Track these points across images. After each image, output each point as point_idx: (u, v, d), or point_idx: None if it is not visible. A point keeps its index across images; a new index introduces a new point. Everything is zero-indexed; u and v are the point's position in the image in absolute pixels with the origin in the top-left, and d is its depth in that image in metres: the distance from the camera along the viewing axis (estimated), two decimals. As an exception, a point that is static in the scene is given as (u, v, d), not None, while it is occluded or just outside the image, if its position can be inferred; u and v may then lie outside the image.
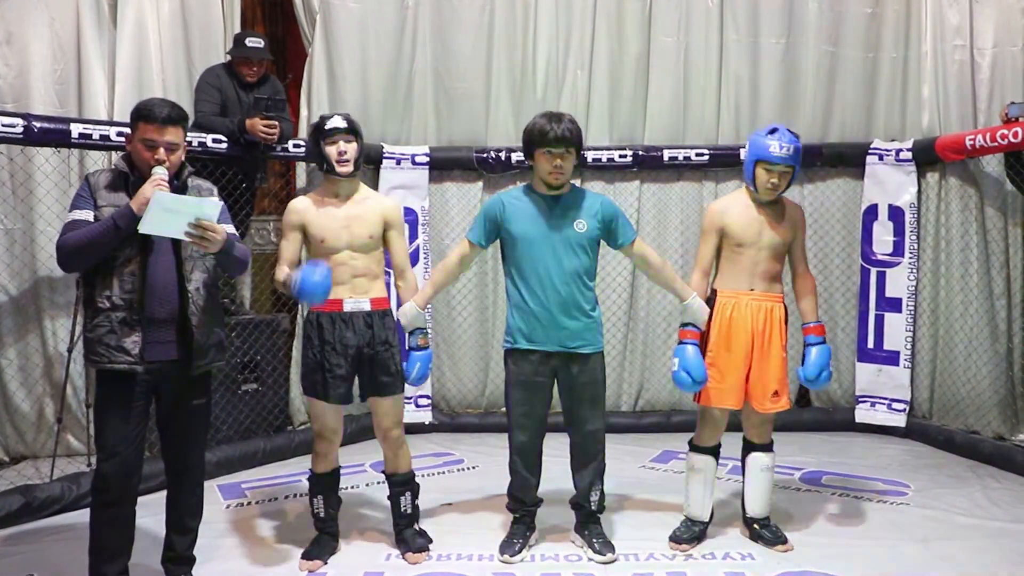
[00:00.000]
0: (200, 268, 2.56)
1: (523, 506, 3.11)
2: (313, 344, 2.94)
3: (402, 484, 3.09)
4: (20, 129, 3.35)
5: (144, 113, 2.47)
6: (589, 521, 3.11)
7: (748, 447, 3.17)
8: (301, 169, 4.91)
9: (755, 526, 3.15)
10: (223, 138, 4.04)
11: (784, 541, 3.09)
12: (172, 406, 2.60)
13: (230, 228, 2.62)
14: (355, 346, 2.92)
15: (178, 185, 2.56)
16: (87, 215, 2.44)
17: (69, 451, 4.18)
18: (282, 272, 2.89)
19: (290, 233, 2.98)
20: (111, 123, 3.92)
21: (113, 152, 4.08)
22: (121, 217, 2.37)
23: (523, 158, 3.07)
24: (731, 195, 3.20)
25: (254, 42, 4.23)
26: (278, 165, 5.20)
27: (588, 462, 3.06)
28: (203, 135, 4.00)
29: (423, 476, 3.98)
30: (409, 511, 3.10)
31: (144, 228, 2.32)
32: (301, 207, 2.98)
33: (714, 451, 3.16)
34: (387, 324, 2.99)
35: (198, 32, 4.65)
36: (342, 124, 2.93)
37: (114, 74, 4.39)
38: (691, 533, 3.13)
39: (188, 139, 3.82)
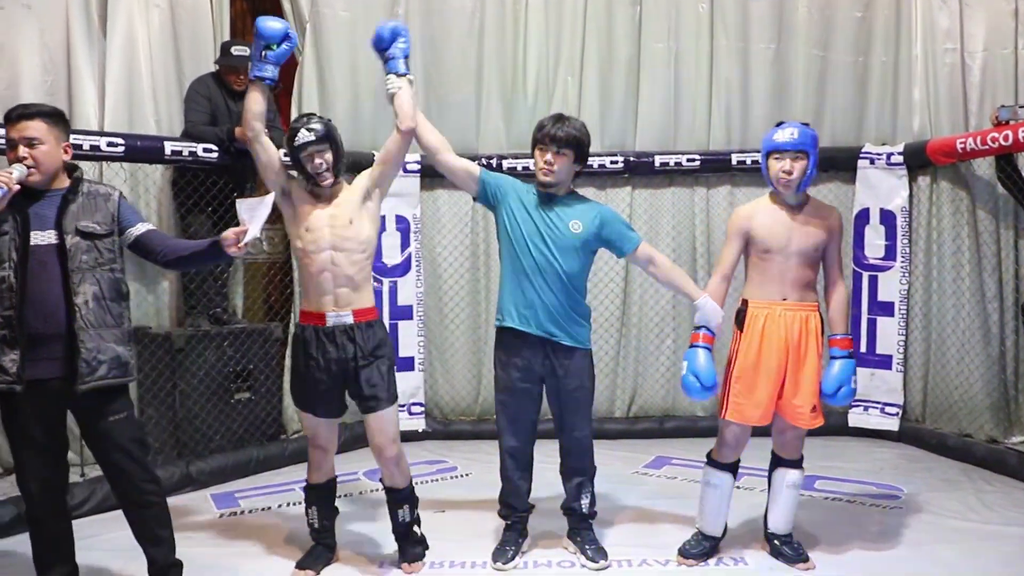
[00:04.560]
0: (90, 280, 2.44)
1: (515, 512, 3.10)
2: (299, 359, 2.88)
3: (402, 499, 3.01)
4: (1, 140, 3.30)
5: (3, 115, 2.45)
6: (581, 527, 3.11)
7: (777, 461, 3.05)
8: (292, 177, 4.90)
9: (776, 542, 3.05)
10: (213, 147, 4.04)
11: (806, 559, 2.98)
12: (89, 426, 2.52)
13: (146, 227, 2.61)
14: (337, 361, 2.82)
15: (70, 189, 2.48)
16: None
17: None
18: None
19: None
20: (101, 133, 3.92)
21: (103, 162, 4.09)
22: None
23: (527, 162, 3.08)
24: (758, 200, 3.07)
25: (240, 50, 4.22)
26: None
27: (577, 466, 3.07)
28: (193, 144, 3.99)
29: (416, 484, 3.96)
30: (407, 520, 3.03)
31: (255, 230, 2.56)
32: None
33: (733, 468, 3.04)
34: (373, 335, 2.86)
35: (188, 42, 4.65)
36: (311, 137, 2.79)
37: (104, 85, 4.40)
38: (701, 548, 3.04)
39: (177, 148, 3.94)
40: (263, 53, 2.83)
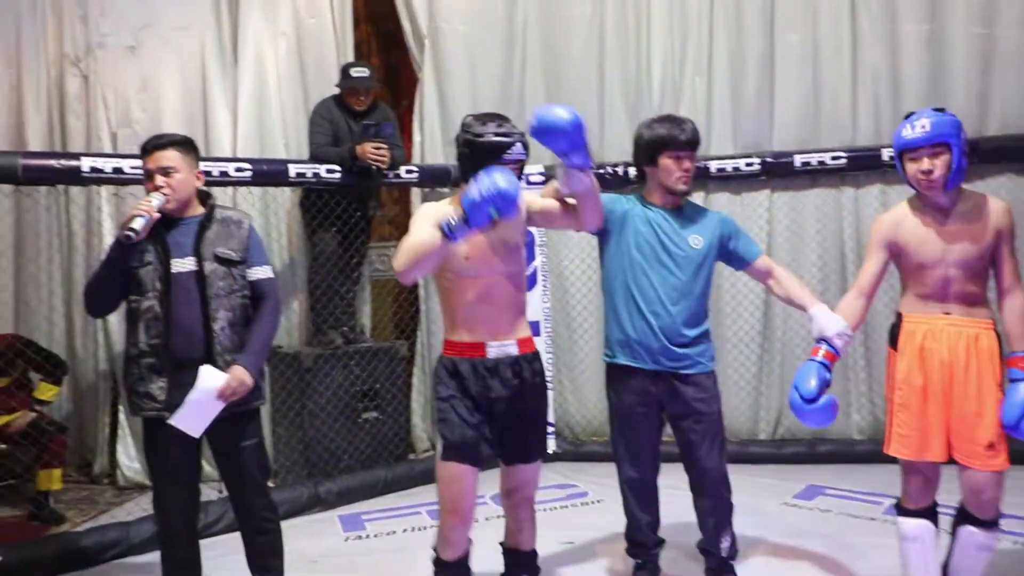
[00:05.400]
0: (226, 307, 2.48)
1: (644, 550, 2.86)
2: (452, 397, 2.36)
3: (521, 565, 2.55)
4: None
5: (141, 148, 2.50)
6: (723, 570, 2.81)
7: (964, 516, 2.48)
8: (416, 196, 4.88)
9: None
10: (336, 168, 4.07)
11: None
12: (221, 450, 2.56)
13: (264, 272, 2.58)
14: (502, 399, 2.37)
15: (206, 216, 2.50)
16: None
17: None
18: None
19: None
20: (230, 159, 4.04)
21: (233, 188, 4.21)
22: (112, 247, 2.38)
23: (637, 168, 2.84)
24: (904, 204, 2.61)
25: (359, 72, 4.26)
26: (395, 192, 5.22)
27: (711, 504, 2.76)
28: (316, 166, 4.04)
29: (544, 510, 3.80)
30: None
31: (195, 433, 2.40)
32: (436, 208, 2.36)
33: (928, 513, 2.53)
34: (537, 369, 2.46)
35: (313, 67, 4.75)
36: (523, 155, 2.32)
37: (237, 112, 4.55)
38: None
39: (301, 170, 3.99)
40: (489, 209, 2.13)
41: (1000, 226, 2.47)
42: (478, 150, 2.29)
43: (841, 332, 2.51)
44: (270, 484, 3.98)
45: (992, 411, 2.40)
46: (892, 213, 2.62)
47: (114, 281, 2.41)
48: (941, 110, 2.49)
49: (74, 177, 3.28)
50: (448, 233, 2.15)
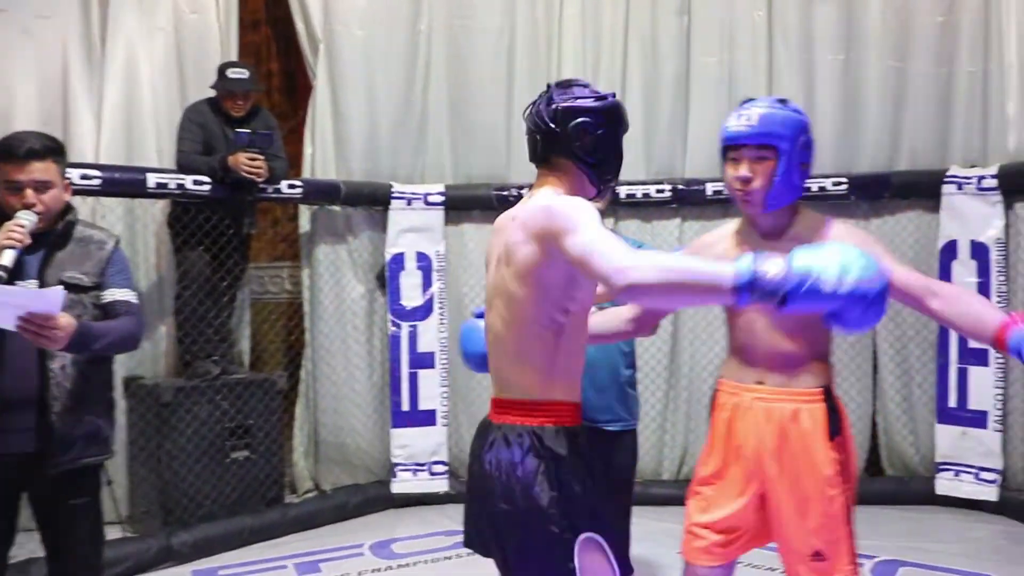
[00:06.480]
0: None
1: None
2: (572, 484, 1.58)
3: None
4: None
5: (3, 150, 2.06)
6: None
7: None
8: (305, 216, 4.48)
9: None
10: (206, 179, 3.65)
11: None
12: (45, 507, 2.15)
13: (123, 294, 2.17)
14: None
15: (59, 234, 2.14)
16: None
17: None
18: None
19: None
20: (96, 166, 3.59)
21: (99, 197, 3.75)
22: None
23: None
24: (732, 223, 2.07)
25: (237, 73, 3.87)
26: (291, 208, 4.79)
27: None
28: (181, 176, 3.63)
29: (426, 562, 3.47)
30: None
31: None
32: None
33: None
34: None
35: (193, 67, 4.33)
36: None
37: (101, 114, 4.09)
38: None
39: (162, 181, 3.57)
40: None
41: None
42: (619, 116, 1.66)
43: None
44: (124, 534, 3.56)
45: (820, 509, 1.89)
46: (715, 231, 2.11)
47: None
48: (784, 101, 1.94)
49: None
50: (744, 292, 1.34)
